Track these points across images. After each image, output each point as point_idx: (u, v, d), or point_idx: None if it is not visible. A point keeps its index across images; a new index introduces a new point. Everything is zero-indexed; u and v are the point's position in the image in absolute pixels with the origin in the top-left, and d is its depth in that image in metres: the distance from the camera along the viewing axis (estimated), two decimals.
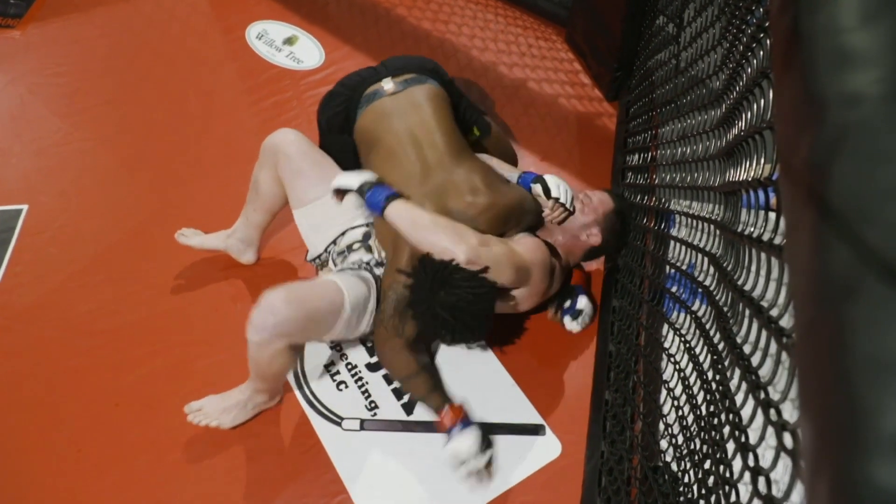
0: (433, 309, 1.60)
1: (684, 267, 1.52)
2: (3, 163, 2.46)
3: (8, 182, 2.40)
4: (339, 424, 1.85)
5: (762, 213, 0.95)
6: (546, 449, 1.82)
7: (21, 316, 2.06)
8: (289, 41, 2.90)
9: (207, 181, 2.42)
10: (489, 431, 1.80)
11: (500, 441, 1.83)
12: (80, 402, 1.88)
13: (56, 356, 1.97)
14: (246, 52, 2.86)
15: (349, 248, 1.89)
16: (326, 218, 1.91)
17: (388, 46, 2.88)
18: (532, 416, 1.87)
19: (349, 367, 1.96)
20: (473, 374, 1.95)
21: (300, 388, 1.91)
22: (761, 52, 1.04)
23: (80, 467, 1.77)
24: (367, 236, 1.90)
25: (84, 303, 2.09)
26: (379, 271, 1.85)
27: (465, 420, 1.71)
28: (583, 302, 1.97)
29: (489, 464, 1.75)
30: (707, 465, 1.05)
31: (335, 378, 1.94)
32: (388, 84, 1.94)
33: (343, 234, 1.91)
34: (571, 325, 1.96)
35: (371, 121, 1.92)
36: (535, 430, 1.84)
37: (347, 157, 2.01)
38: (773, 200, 0.91)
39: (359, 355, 1.98)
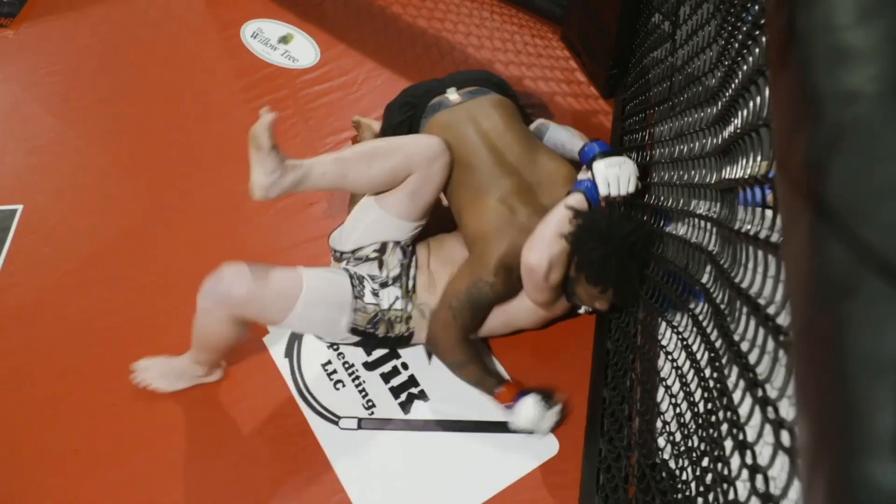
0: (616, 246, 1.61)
1: (681, 264, 1.51)
2: None
3: (2, 181, 2.39)
4: (336, 423, 1.84)
5: (759, 210, 0.95)
6: (543, 447, 1.82)
7: (16, 315, 2.05)
8: (284, 39, 2.89)
9: (202, 180, 2.41)
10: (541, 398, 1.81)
11: (498, 439, 1.83)
12: (76, 401, 1.88)
13: (52, 356, 1.96)
14: (241, 51, 2.85)
15: (366, 257, 1.87)
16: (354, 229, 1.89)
17: (383, 44, 2.87)
18: None
19: (346, 366, 1.95)
20: None
21: (297, 386, 1.91)
22: (757, 50, 1.04)
23: (76, 466, 1.76)
24: (383, 248, 1.86)
25: (80, 302, 2.08)
26: (385, 291, 1.83)
27: (519, 394, 1.77)
28: None
29: (560, 415, 1.82)
30: (705, 462, 1.05)
31: (332, 377, 1.93)
32: (452, 94, 1.97)
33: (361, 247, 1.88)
34: None
35: (438, 131, 1.90)
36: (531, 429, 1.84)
37: None
38: (769, 198, 0.91)
39: (356, 354, 1.97)
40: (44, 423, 1.84)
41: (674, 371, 1.39)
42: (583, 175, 1.82)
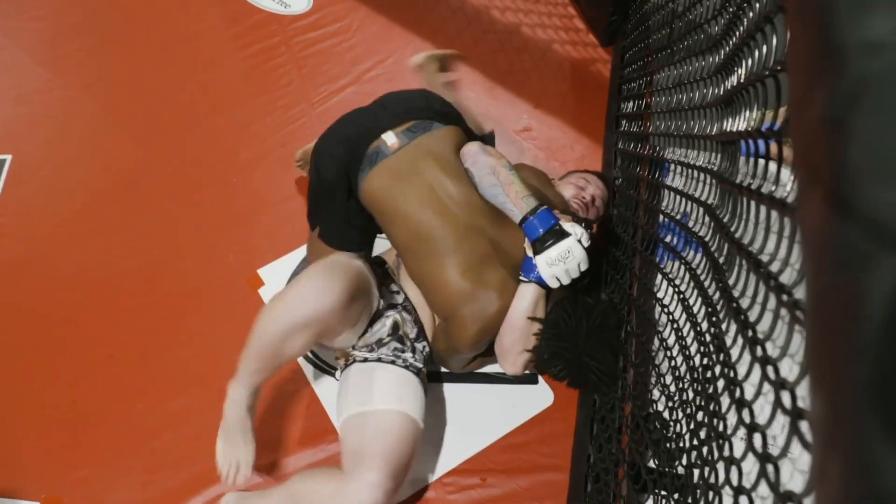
0: (579, 358, 1.57)
1: (679, 216, 1.50)
2: None
3: None
4: (332, 374, 1.85)
5: (761, 161, 0.92)
6: (539, 398, 1.83)
7: (9, 267, 2.03)
8: None
9: (194, 129, 2.37)
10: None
11: (494, 390, 1.84)
12: (72, 354, 1.88)
13: (46, 309, 1.95)
14: None
15: (379, 342, 1.72)
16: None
17: None
18: None
19: None
20: None
21: None
22: None
23: (75, 419, 1.77)
24: (395, 326, 1.74)
25: (73, 254, 2.06)
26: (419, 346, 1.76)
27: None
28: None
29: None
30: (700, 416, 1.05)
31: None
32: (390, 138, 1.68)
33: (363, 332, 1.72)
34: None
35: (380, 187, 1.67)
36: (527, 379, 1.85)
37: (351, 225, 1.76)
38: (772, 149, 0.89)
39: None
40: (40, 375, 1.84)
41: (669, 324, 1.39)
42: (530, 251, 1.59)
